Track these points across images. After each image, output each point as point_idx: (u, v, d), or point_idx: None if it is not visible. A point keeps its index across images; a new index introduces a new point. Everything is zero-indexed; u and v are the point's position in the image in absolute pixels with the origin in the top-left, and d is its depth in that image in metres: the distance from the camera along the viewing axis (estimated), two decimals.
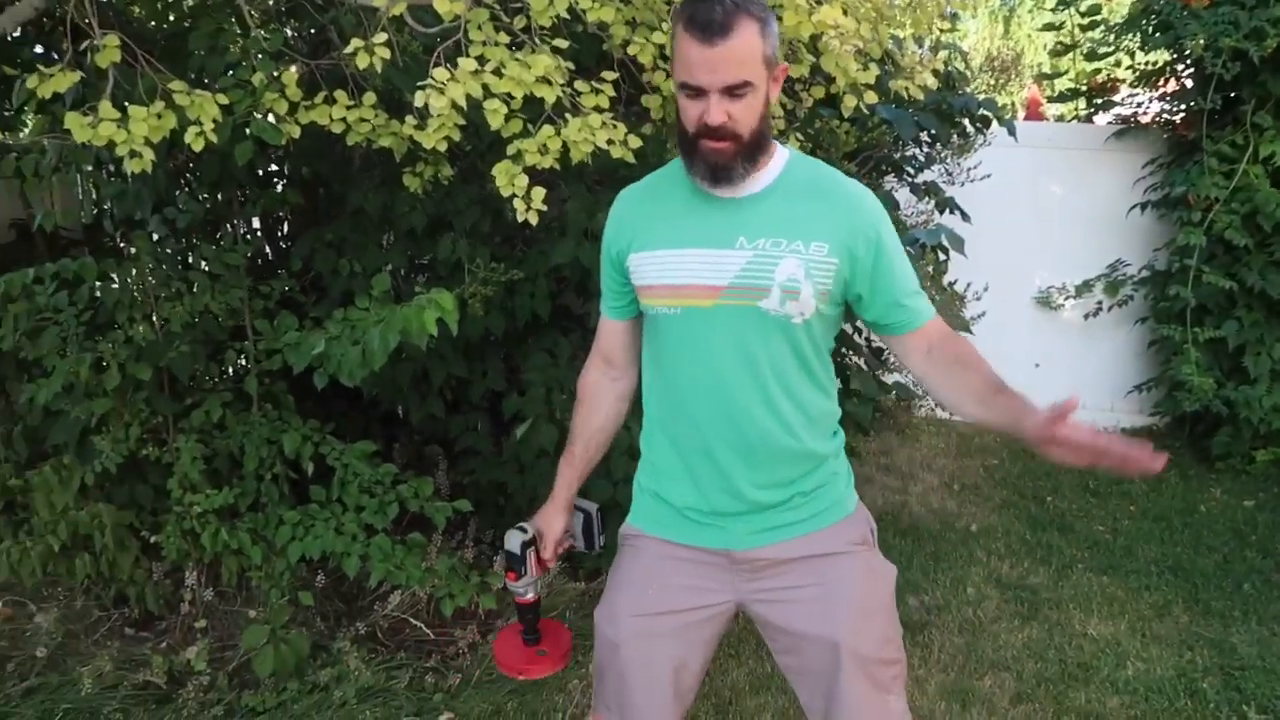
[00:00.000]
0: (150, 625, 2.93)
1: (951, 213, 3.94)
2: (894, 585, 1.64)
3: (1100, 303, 5.32)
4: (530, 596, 1.73)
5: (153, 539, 2.76)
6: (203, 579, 2.86)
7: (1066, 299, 5.46)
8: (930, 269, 3.43)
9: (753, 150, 1.44)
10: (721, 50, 1.34)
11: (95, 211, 3.32)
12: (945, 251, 3.51)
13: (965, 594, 3.39)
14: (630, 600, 1.61)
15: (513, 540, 1.70)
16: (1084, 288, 5.39)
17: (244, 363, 2.95)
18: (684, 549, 1.60)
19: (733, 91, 1.38)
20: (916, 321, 1.53)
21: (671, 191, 1.56)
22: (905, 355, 1.58)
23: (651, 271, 1.53)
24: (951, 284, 3.91)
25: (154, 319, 2.76)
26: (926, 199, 3.95)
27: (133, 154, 1.92)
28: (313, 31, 3.17)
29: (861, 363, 3.40)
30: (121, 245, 3.39)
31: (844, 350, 3.31)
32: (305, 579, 2.90)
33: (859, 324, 3.52)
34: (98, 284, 2.76)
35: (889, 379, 3.77)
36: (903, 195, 4.01)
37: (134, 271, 2.78)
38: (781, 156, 1.51)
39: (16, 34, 3.00)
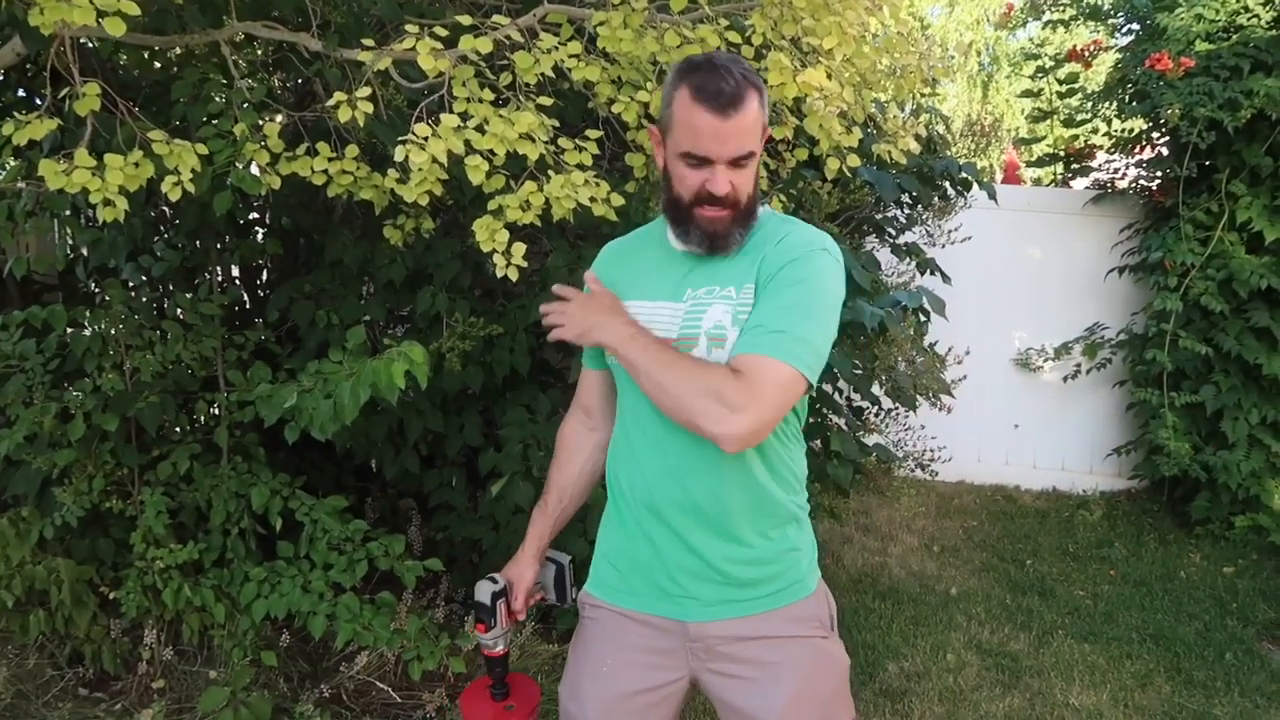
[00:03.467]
0: (106, 685, 2.82)
1: (932, 274, 3.96)
2: (846, 675, 1.58)
3: (1079, 365, 5.35)
4: (500, 649, 1.68)
5: (112, 595, 2.67)
6: (162, 637, 2.77)
7: (1046, 361, 5.49)
8: (911, 331, 3.43)
9: (747, 216, 1.44)
10: (733, 123, 1.35)
11: (70, 257, 3.27)
12: (926, 314, 3.51)
13: (945, 660, 3.34)
14: (591, 680, 1.57)
15: (483, 591, 1.66)
16: (1063, 350, 5.42)
17: (215, 413, 2.90)
18: (637, 619, 1.55)
19: (738, 162, 1.39)
20: (736, 350, 1.38)
21: (647, 246, 1.58)
22: None
23: None
24: (932, 345, 3.91)
25: (124, 368, 2.70)
26: (908, 260, 3.96)
27: (106, 202, 1.89)
28: (299, 82, 3.17)
29: (842, 423, 3.38)
30: (95, 292, 3.34)
31: (824, 411, 3.29)
32: (269, 638, 2.81)
33: (841, 384, 3.52)
34: (68, 331, 2.71)
35: (869, 440, 3.75)
36: (884, 256, 4.03)
37: (105, 319, 2.73)
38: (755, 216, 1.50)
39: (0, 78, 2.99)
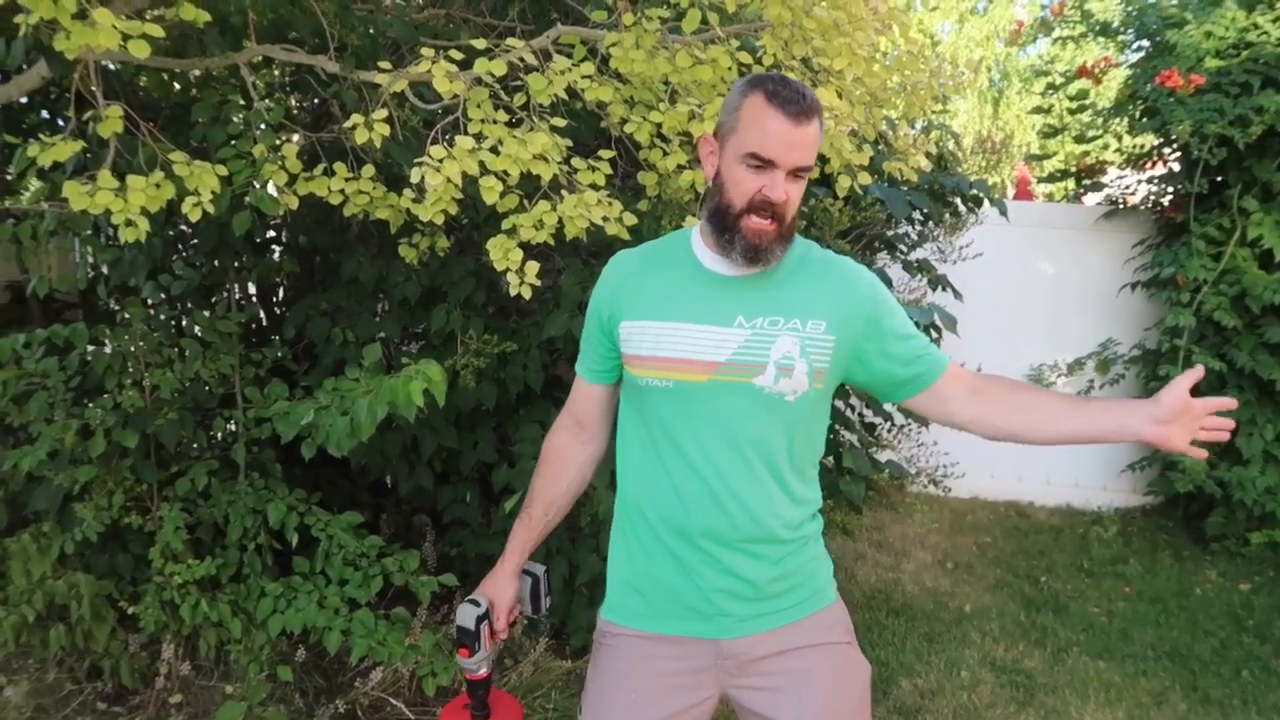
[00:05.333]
0: (124, 700, 2.84)
1: (944, 290, 3.97)
2: (868, 683, 1.60)
3: (1092, 381, 5.34)
4: (483, 672, 1.65)
5: (130, 610, 2.69)
6: (180, 652, 2.79)
7: (1059, 376, 5.47)
8: None
9: (789, 235, 1.47)
10: (804, 132, 1.39)
11: (91, 276, 3.32)
12: (938, 330, 3.52)
13: (959, 677, 3.32)
14: (617, 709, 1.53)
15: (466, 615, 1.62)
16: (1076, 365, 5.41)
17: (233, 430, 2.93)
18: (665, 642, 1.53)
19: (797, 173, 1.42)
20: (940, 366, 1.54)
21: (670, 263, 1.54)
22: (947, 404, 1.55)
23: (644, 343, 1.50)
24: None
25: (144, 385, 2.74)
26: (919, 276, 3.97)
27: (128, 223, 1.92)
28: (316, 103, 3.22)
29: (855, 440, 3.39)
30: (115, 310, 3.39)
31: (837, 427, 3.30)
32: (285, 653, 2.83)
33: (853, 400, 3.53)
34: (89, 349, 2.75)
35: (882, 456, 3.75)
36: (895, 273, 4.03)
37: (125, 337, 2.77)
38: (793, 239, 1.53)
39: (24, 100, 3.05)
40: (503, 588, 1.67)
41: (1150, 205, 5.26)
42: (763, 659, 1.52)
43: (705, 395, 1.46)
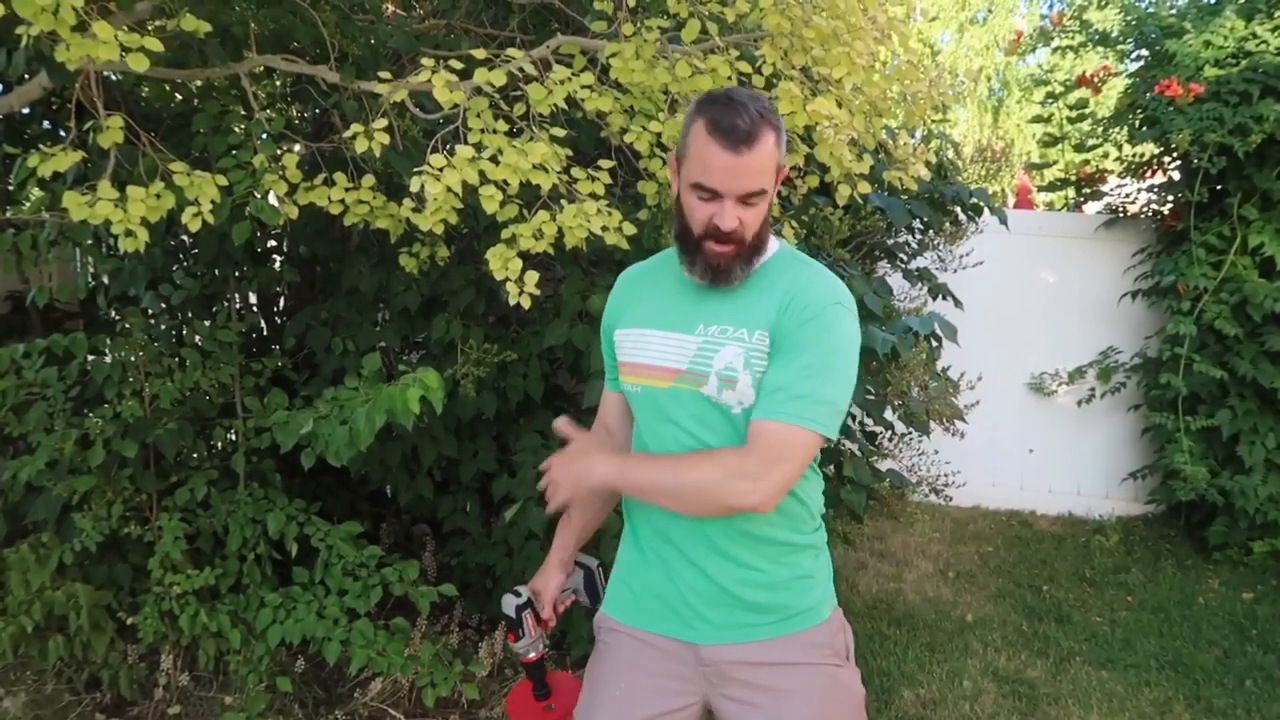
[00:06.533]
0: (122, 711, 2.83)
1: (944, 299, 3.96)
2: (861, 706, 1.58)
3: (1093, 389, 5.33)
4: (533, 655, 1.73)
5: (129, 620, 2.69)
6: (179, 663, 2.78)
7: (1060, 385, 5.47)
8: (923, 356, 3.43)
9: (752, 253, 1.45)
10: (746, 160, 1.36)
11: (91, 286, 3.32)
12: (938, 339, 3.52)
13: (962, 688, 3.31)
14: (605, 704, 1.58)
15: (507, 604, 1.71)
16: (1077, 374, 5.40)
17: (232, 440, 2.92)
18: (651, 642, 1.57)
19: (747, 199, 1.39)
20: (760, 413, 1.40)
21: (662, 273, 1.59)
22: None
23: (624, 349, 1.57)
24: (945, 370, 3.91)
25: (143, 395, 2.74)
26: (919, 285, 3.97)
27: (128, 233, 1.93)
28: (317, 113, 3.22)
29: (855, 449, 3.38)
30: (115, 320, 3.39)
31: (837, 437, 3.29)
32: (284, 664, 2.82)
33: (854, 409, 3.52)
34: (89, 359, 2.75)
35: (883, 465, 3.74)
36: (896, 281, 4.04)
37: (125, 347, 2.77)
38: (770, 250, 1.51)
39: (25, 111, 3.05)
40: (547, 578, 1.72)
41: (1150, 214, 5.26)
42: (744, 670, 1.51)
43: (667, 401, 1.49)
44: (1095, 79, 5.28)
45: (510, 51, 2.12)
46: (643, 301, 1.58)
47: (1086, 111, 5.45)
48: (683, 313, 1.50)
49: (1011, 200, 8.49)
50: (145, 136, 2.15)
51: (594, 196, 2.14)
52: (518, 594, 1.72)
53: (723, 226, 1.39)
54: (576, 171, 2.15)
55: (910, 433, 3.92)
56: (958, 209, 3.82)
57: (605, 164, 2.19)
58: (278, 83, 3.12)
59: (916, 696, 3.24)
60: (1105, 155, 5.49)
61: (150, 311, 3.18)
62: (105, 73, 2.37)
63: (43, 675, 2.88)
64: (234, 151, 2.42)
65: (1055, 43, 5.54)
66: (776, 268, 1.49)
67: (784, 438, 1.38)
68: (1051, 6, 11.04)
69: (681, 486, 1.41)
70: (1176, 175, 5.00)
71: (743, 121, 1.34)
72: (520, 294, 2.10)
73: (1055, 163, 6.01)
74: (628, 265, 1.72)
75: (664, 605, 1.55)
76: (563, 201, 2.10)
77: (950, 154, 4.58)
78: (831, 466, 3.22)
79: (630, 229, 2.18)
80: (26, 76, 2.64)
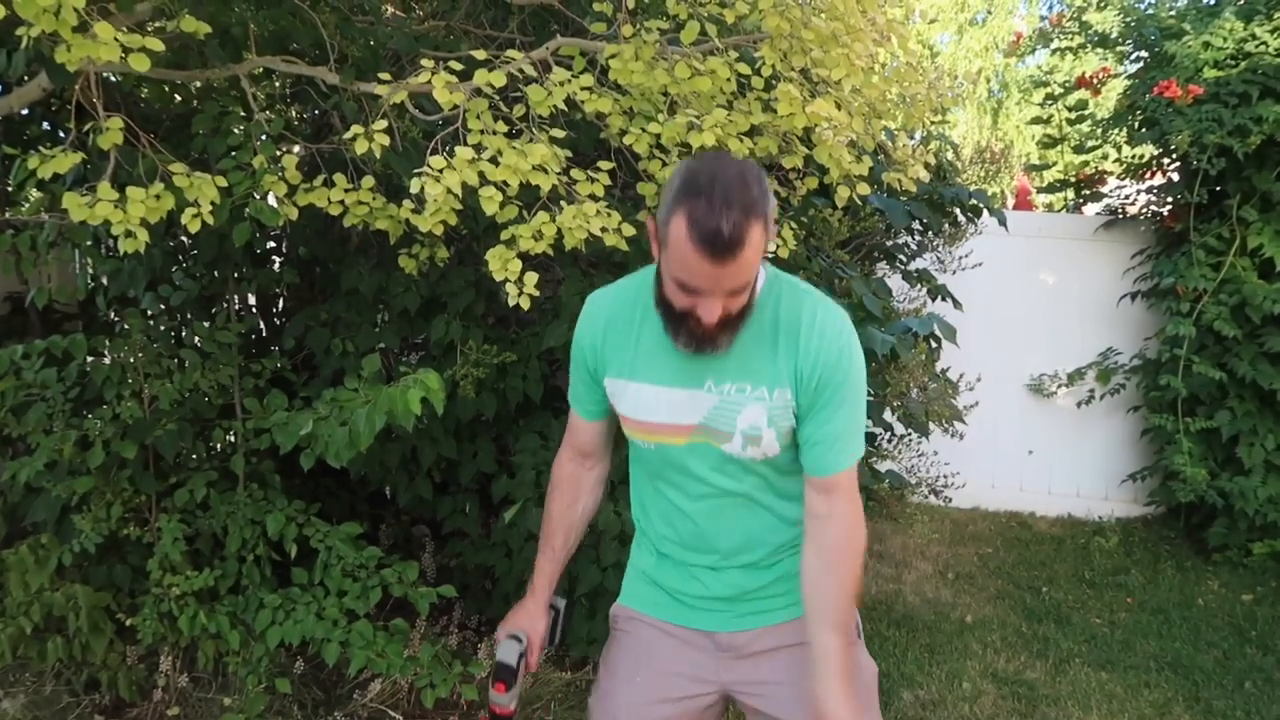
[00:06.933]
0: (121, 712, 2.83)
1: (943, 300, 3.97)
2: (874, 684, 1.64)
3: (1092, 391, 5.33)
4: (512, 708, 1.63)
5: (128, 622, 2.68)
6: (178, 664, 2.78)
7: (1059, 386, 5.47)
8: (923, 357, 3.43)
9: (738, 322, 1.39)
10: (728, 268, 1.27)
11: (90, 287, 3.32)
12: (938, 340, 3.52)
13: (961, 689, 3.31)
14: (625, 689, 1.61)
15: (509, 652, 1.61)
16: (1076, 375, 5.40)
17: (232, 441, 2.92)
18: (670, 631, 1.62)
19: (733, 292, 1.33)
20: (815, 468, 1.48)
21: (643, 314, 1.50)
22: (805, 496, 1.53)
23: (625, 403, 1.54)
24: (944, 371, 3.92)
25: (143, 396, 2.73)
26: (919, 286, 3.98)
27: (128, 234, 1.92)
28: (316, 114, 3.22)
29: None
30: (115, 321, 3.38)
31: None
32: (284, 665, 2.82)
33: None
34: (88, 360, 2.74)
35: (882, 466, 3.74)
36: (895, 282, 4.04)
37: (124, 348, 2.77)
38: (758, 284, 1.45)
39: (25, 112, 3.05)
40: (535, 620, 1.67)
41: (1150, 215, 5.26)
42: (760, 653, 1.58)
43: (683, 455, 1.52)
44: (1094, 80, 5.29)
45: (510, 53, 2.12)
46: (629, 349, 1.51)
47: (1086, 113, 5.45)
48: (683, 368, 1.46)
49: (1011, 202, 8.50)
50: (145, 138, 2.15)
51: (593, 198, 2.14)
52: (518, 640, 1.61)
53: (705, 319, 1.33)
54: (576, 173, 2.15)
55: (909, 434, 3.93)
56: (957, 210, 3.83)
57: (604, 165, 2.19)
58: (277, 84, 3.12)
59: (916, 698, 3.24)
60: (1104, 157, 5.49)
61: (149, 313, 3.17)
62: (105, 74, 2.37)
63: (41, 676, 2.87)
64: (233, 153, 2.41)
65: (1054, 44, 5.55)
66: (777, 309, 1.46)
67: (852, 477, 1.49)
68: (1051, 8, 11.08)
69: (853, 583, 1.50)
70: (1176, 177, 5.00)
71: (725, 227, 1.23)
72: (520, 295, 2.10)
73: (1054, 164, 6.02)
74: (628, 266, 1.71)
75: (682, 599, 1.61)
76: (562, 203, 2.10)
77: (949, 155, 4.58)
78: None
79: (629, 230, 2.18)
80: (26, 78, 2.64)
